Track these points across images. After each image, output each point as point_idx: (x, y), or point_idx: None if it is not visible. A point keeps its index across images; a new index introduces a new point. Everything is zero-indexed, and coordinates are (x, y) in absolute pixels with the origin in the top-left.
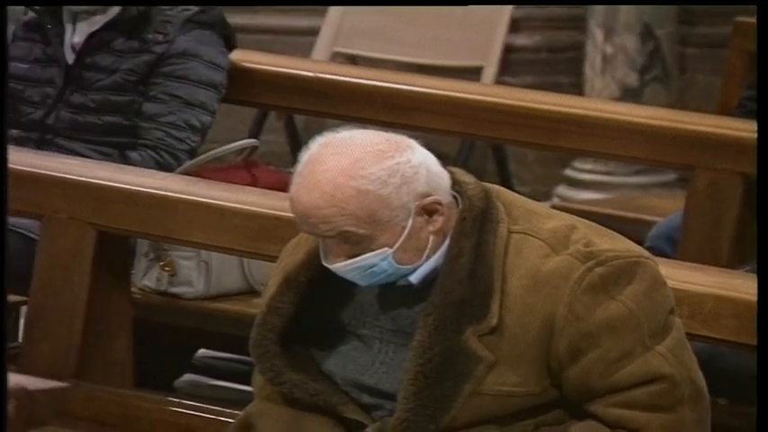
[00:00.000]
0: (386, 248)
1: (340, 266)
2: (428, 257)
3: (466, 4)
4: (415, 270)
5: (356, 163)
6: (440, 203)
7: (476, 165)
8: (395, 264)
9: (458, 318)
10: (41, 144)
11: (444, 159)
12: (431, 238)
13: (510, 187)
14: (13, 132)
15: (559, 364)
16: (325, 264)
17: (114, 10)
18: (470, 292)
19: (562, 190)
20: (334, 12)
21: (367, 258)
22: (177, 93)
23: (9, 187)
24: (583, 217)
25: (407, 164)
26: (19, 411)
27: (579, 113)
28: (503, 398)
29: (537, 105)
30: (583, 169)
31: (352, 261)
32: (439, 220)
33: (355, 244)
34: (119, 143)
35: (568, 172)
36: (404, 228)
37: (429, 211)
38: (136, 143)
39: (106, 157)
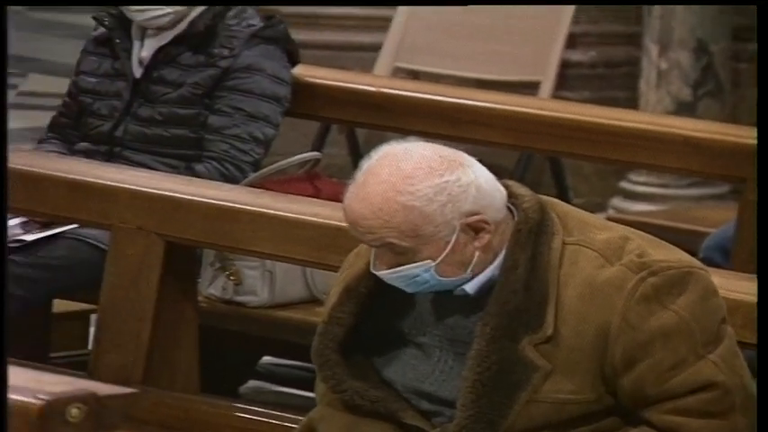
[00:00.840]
0: (429, 261)
1: (384, 273)
2: (474, 272)
3: (467, 4)
4: (460, 281)
5: (406, 179)
6: (486, 222)
7: (533, 177)
8: (437, 276)
9: (514, 327)
10: (110, 156)
11: (502, 172)
12: (476, 253)
13: (566, 199)
14: (82, 145)
15: (614, 371)
16: (372, 270)
17: (182, 25)
18: (526, 303)
19: (617, 202)
20: (396, 28)
21: (410, 269)
22: (242, 106)
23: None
24: (637, 228)
25: (456, 183)
26: (89, 416)
27: (634, 127)
28: (559, 405)
29: (593, 119)
30: (637, 181)
31: (395, 270)
32: (485, 238)
33: (400, 254)
34: (185, 155)
35: (623, 184)
36: (447, 243)
37: (475, 228)
38: (201, 155)
39: (173, 168)
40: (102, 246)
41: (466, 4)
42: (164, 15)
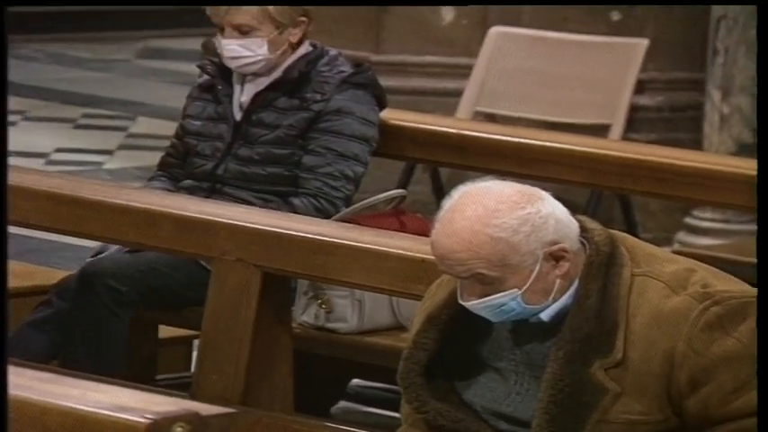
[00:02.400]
0: (515, 290)
1: (473, 304)
2: (555, 299)
3: (468, 4)
4: (543, 309)
5: (491, 213)
6: (566, 250)
7: (603, 213)
8: (523, 303)
9: (586, 352)
10: (211, 192)
11: (574, 208)
12: (557, 281)
13: (635, 234)
14: (187, 182)
15: (680, 394)
16: (460, 301)
17: (277, 72)
18: (597, 329)
19: (683, 236)
20: (476, 75)
21: (498, 298)
22: (333, 146)
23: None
24: (701, 261)
25: (537, 214)
26: None
27: (699, 167)
28: (628, 425)
29: (660, 159)
30: (701, 217)
31: (483, 300)
32: (565, 266)
33: (487, 284)
34: (280, 191)
35: (688, 220)
36: (532, 271)
37: (556, 257)
38: (296, 192)
39: (269, 203)
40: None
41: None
42: (255, 62)
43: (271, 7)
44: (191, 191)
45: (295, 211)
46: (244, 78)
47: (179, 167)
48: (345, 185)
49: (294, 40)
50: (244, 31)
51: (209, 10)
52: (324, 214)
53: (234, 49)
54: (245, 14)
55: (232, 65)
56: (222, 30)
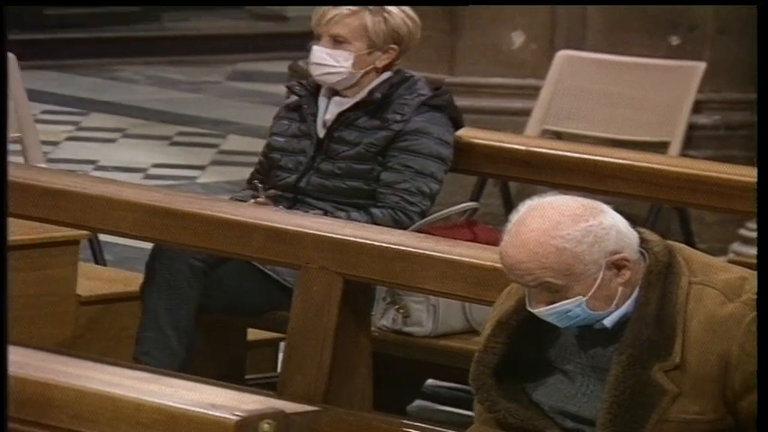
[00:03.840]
0: (580, 297)
1: (541, 311)
2: (617, 305)
3: (468, 4)
4: (606, 315)
5: (556, 225)
6: (627, 260)
7: (662, 225)
8: (587, 310)
9: (646, 356)
10: (294, 203)
11: (635, 221)
12: (620, 288)
13: (692, 245)
14: (270, 192)
15: (734, 395)
16: (529, 308)
17: (361, 94)
18: (657, 335)
19: (737, 247)
20: (544, 95)
21: (564, 305)
22: (411, 164)
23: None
24: (754, 270)
25: (599, 226)
26: (278, 431)
27: (752, 181)
28: (685, 424)
29: (715, 174)
30: (755, 229)
31: (551, 307)
32: (627, 274)
33: (554, 292)
34: (358, 204)
35: (742, 231)
36: (595, 280)
37: (618, 266)
38: (375, 205)
39: (349, 214)
40: (286, 283)
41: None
42: (336, 73)
43: (369, 24)
44: (275, 200)
45: (374, 220)
46: (330, 98)
47: (263, 182)
48: (421, 201)
49: (380, 64)
50: (338, 42)
51: (313, 19)
52: (400, 227)
53: (322, 56)
54: (345, 26)
55: (315, 71)
56: (319, 38)
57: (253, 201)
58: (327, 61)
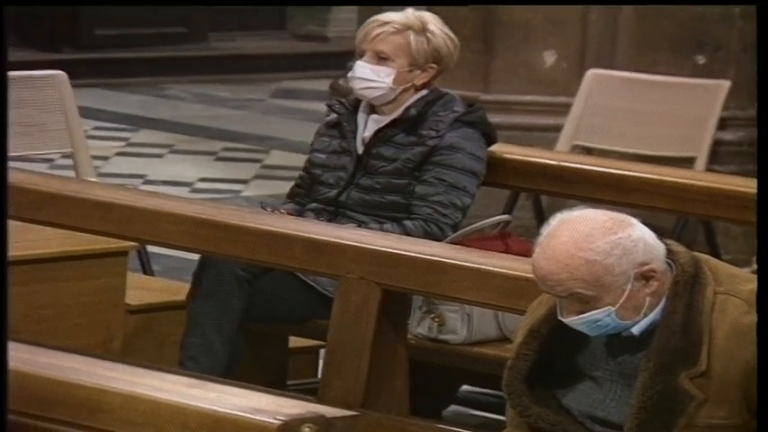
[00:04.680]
0: (609, 307)
1: (572, 320)
2: (645, 314)
3: (468, 4)
4: (634, 323)
5: (586, 238)
6: (655, 271)
7: (688, 237)
8: (617, 319)
9: (673, 363)
10: (335, 216)
11: (662, 233)
12: (648, 298)
13: (717, 256)
14: (312, 205)
15: (755, 402)
16: (560, 318)
17: (398, 111)
18: (683, 343)
19: None
20: (574, 113)
21: (594, 314)
22: (445, 178)
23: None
24: None
25: (628, 238)
26: None
27: None
28: (711, 429)
29: (740, 188)
30: None
31: (581, 316)
32: (654, 285)
33: (584, 303)
34: (396, 217)
35: None
36: (624, 290)
37: (646, 277)
38: (410, 217)
39: (383, 225)
40: (326, 292)
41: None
42: (377, 89)
43: (412, 43)
44: (317, 212)
45: (407, 232)
46: (368, 115)
47: (306, 196)
48: (453, 213)
49: (419, 82)
50: (381, 58)
51: (357, 36)
52: (431, 238)
53: (365, 71)
54: (389, 43)
55: (357, 85)
56: (362, 54)
57: (270, 209)
58: (370, 76)
